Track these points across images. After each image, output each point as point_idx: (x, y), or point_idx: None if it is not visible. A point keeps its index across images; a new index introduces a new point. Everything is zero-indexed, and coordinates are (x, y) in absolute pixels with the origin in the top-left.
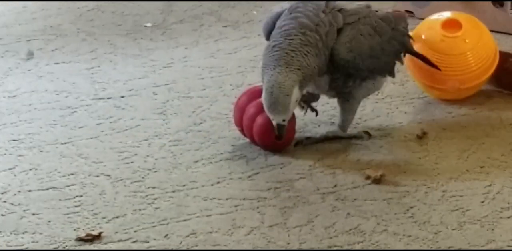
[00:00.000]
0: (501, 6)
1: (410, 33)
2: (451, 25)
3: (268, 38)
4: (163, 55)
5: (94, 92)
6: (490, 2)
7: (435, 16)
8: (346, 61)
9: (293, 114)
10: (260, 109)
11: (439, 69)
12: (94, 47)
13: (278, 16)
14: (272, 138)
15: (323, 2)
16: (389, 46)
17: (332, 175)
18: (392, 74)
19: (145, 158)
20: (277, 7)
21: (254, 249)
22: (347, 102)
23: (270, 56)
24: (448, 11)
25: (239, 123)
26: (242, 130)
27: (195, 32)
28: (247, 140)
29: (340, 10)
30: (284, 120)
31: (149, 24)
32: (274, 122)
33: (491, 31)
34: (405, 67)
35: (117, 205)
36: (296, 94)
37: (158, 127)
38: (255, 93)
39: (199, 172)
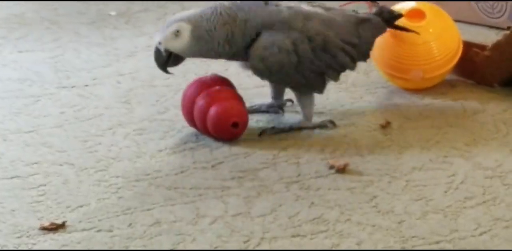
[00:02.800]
0: None
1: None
2: (415, 14)
3: None
4: (127, 44)
5: (58, 81)
6: None
7: (399, 6)
8: (255, 69)
9: (242, 102)
10: (212, 100)
11: (418, 33)
12: (58, 36)
13: None
14: (228, 127)
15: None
16: (310, 68)
17: (296, 165)
18: (319, 91)
19: (109, 147)
20: None
21: (218, 238)
22: (299, 95)
23: None
24: (412, 0)
25: (189, 114)
26: (191, 121)
27: (159, 21)
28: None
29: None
30: (160, 44)
31: (113, 13)
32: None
33: (455, 21)
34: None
35: (81, 194)
36: (180, 27)
37: (122, 116)
38: (203, 84)
39: (163, 161)
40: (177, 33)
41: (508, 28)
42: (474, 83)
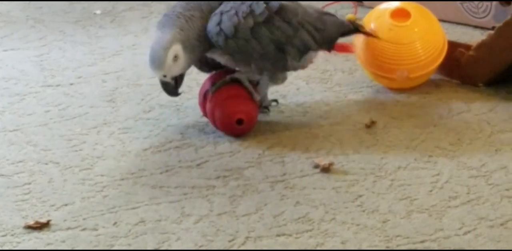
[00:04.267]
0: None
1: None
2: (400, 14)
3: None
4: (112, 43)
5: (43, 80)
6: None
7: (384, 5)
8: (212, 33)
9: (255, 103)
10: (225, 95)
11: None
12: (43, 34)
13: None
14: (232, 123)
15: None
16: (268, 36)
17: (281, 164)
18: (281, 68)
19: (94, 145)
20: None
21: (203, 237)
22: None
23: (158, 23)
24: (397, 0)
25: (203, 107)
26: (206, 115)
27: (144, 20)
28: (197, 128)
29: None
30: (165, 76)
31: (98, 12)
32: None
33: (440, 20)
34: (355, 55)
35: (66, 192)
36: (176, 51)
37: (107, 115)
38: (218, 79)
39: (148, 160)
40: (175, 58)
41: (493, 28)
42: (458, 82)
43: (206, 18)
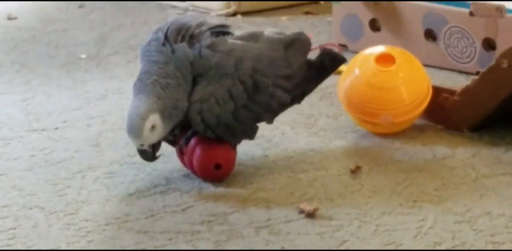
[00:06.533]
0: (434, 40)
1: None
2: (384, 59)
3: None
4: (97, 87)
5: (28, 124)
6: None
7: (368, 50)
8: (193, 120)
9: (229, 144)
10: (199, 141)
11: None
12: (29, 78)
13: None
14: (210, 168)
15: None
16: (247, 114)
17: (266, 209)
18: (250, 138)
19: (78, 190)
20: None
21: None
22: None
23: (133, 87)
24: (382, 45)
25: (182, 161)
26: (184, 163)
27: (129, 64)
28: (181, 172)
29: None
30: (142, 145)
31: (83, 56)
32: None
33: (425, 65)
34: (339, 100)
35: (51, 237)
36: (153, 121)
37: (92, 159)
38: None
39: (133, 205)
40: (153, 128)
41: (477, 73)
42: (443, 127)
43: (182, 85)
